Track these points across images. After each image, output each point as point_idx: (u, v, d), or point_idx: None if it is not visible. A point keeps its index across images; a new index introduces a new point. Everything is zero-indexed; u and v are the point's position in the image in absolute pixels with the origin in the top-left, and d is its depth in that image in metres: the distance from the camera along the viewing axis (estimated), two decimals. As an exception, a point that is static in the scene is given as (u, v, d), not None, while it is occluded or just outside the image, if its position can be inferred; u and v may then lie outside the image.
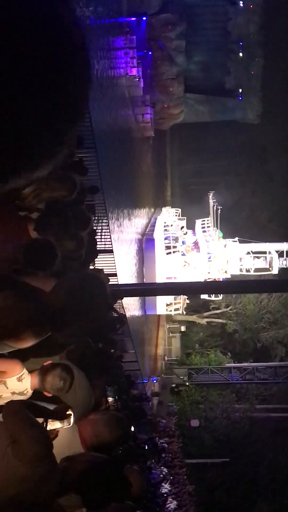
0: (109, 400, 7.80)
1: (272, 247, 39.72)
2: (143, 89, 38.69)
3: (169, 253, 37.86)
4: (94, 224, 9.21)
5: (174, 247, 38.22)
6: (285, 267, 39.17)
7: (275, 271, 38.60)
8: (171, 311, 40.00)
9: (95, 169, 12.11)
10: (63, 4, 0.70)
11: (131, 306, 27.40)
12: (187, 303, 42.30)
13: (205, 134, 59.23)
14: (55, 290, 2.75)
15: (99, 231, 14.18)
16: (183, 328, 48.50)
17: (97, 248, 7.73)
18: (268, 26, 54.21)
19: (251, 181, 59.52)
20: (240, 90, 57.20)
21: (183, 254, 38.34)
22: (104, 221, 15.18)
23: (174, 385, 40.95)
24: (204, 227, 41.59)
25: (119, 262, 20.98)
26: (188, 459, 33.63)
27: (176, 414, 36.37)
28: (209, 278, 37.81)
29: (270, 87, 56.14)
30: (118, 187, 25.15)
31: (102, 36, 24.12)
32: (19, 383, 3.32)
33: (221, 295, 41.93)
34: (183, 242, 39.68)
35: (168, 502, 24.12)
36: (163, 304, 38.56)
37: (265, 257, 39.30)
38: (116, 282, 15.60)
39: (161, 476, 24.45)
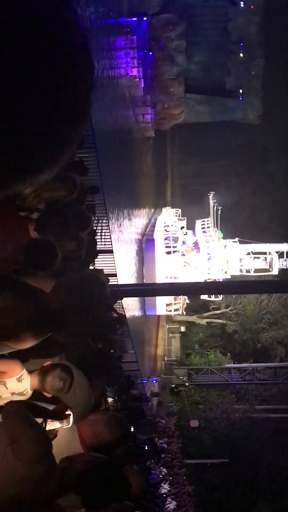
0: (109, 401, 7.80)
1: (272, 248, 39.71)
2: (144, 89, 38.73)
3: (169, 253, 37.86)
4: (94, 224, 9.20)
5: (174, 247, 38.22)
6: (285, 267, 39.15)
7: (275, 271, 38.60)
8: (171, 311, 39.98)
9: (95, 169, 12.12)
10: (63, 4, 0.70)
11: (131, 306, 27.41)
12: (187, 304, 42.31)
13: (205, 135, 59.26)
14: (55, 290, 2.75)
15: (99, 231, 14.19)
16: (183, 329, 48.48)
17: (97, 248, 7.72)
18: (269, 27, 54.26)
19: (251, 182, 59.52)
20: (241, 91, 57.28)
21: (183, 255, 38.34)
22: (104, 221, 15.18)
23: (173, 386, 40.91)
24: (204, 228, 41.57)
25: (119, 262, 20.99)
26: (188, 459, 33.58)
27: (175, 415, 36.30)
28: (209, 279, 37.80)
29: (270, 87, 56.19)
30: (119, 187, 25.16)
31: (103, 36, 24.17)
32: (18, 384, 3.31)
33: (221, 295, 41.93)
34: (183, 243, 39.67)
35: (168, 502, 24.10)
36: (163, 305, 38.55)
37: (265, 257, 39.30)
38: (116, 282, 15.61)
39: (161, 476, 24.41)
